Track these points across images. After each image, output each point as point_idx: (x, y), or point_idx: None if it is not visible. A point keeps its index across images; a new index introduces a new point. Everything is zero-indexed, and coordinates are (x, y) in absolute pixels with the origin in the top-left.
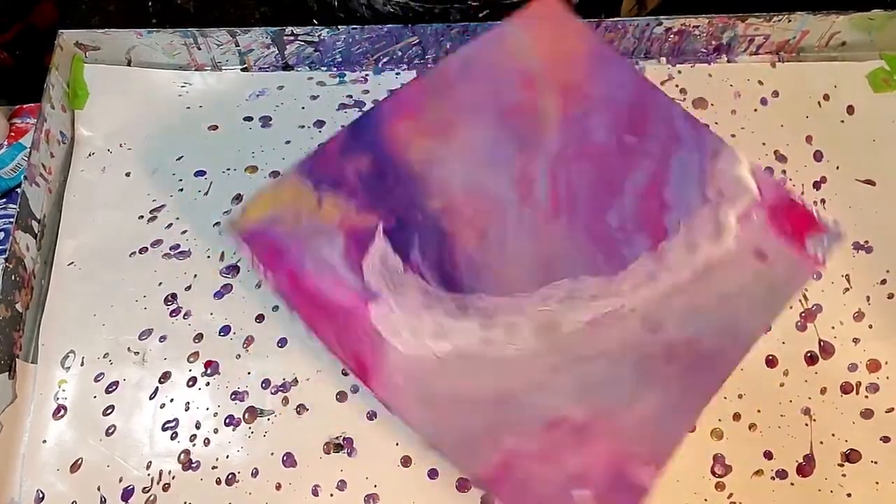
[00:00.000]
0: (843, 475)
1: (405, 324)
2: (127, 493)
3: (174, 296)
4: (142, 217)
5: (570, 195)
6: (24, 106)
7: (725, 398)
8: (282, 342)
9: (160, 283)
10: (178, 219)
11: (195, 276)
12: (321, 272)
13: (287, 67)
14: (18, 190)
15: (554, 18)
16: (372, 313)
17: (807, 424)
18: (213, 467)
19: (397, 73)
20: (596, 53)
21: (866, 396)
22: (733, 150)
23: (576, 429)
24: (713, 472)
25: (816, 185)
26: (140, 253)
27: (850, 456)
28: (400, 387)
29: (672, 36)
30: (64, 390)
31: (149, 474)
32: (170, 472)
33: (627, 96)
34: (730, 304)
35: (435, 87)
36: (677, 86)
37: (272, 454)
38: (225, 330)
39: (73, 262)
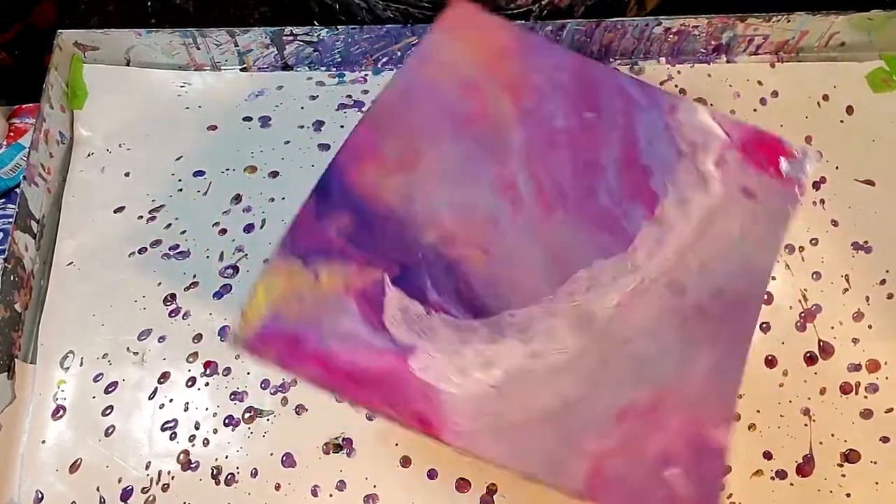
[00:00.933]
0: (843, 475)
1: (449, 365)
2: (126, 494)
3: (173, 296)
4: (141, 217)
5: (554, 187)
6: (24, 106)
7: None
8: None
9: (159, 284)
10: (177, 219)
11: (194, 276)
12: (349, 346)
13: (286, 67)
14: (17, 190)
15: (472, 20)
16: (414, 367)
17: (806, 425)
18: (213, 467)
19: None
20: (527, 44)
21: (866, 397)
22: (687, 99)
23: (645, 412)
24: None
25: (816, 186)
26: (139, 253)
27: (850, 456)
28: (471, 429)
29: (671, 36)
30: (63, 391)
31: (148, 474)
32: (169, 473)
33: (570, 76)
34: (737, 247)
35: (382, 122)
36: (676, 86)
37: (271, 454)
38: (224, 330)
39: (72, 263)
